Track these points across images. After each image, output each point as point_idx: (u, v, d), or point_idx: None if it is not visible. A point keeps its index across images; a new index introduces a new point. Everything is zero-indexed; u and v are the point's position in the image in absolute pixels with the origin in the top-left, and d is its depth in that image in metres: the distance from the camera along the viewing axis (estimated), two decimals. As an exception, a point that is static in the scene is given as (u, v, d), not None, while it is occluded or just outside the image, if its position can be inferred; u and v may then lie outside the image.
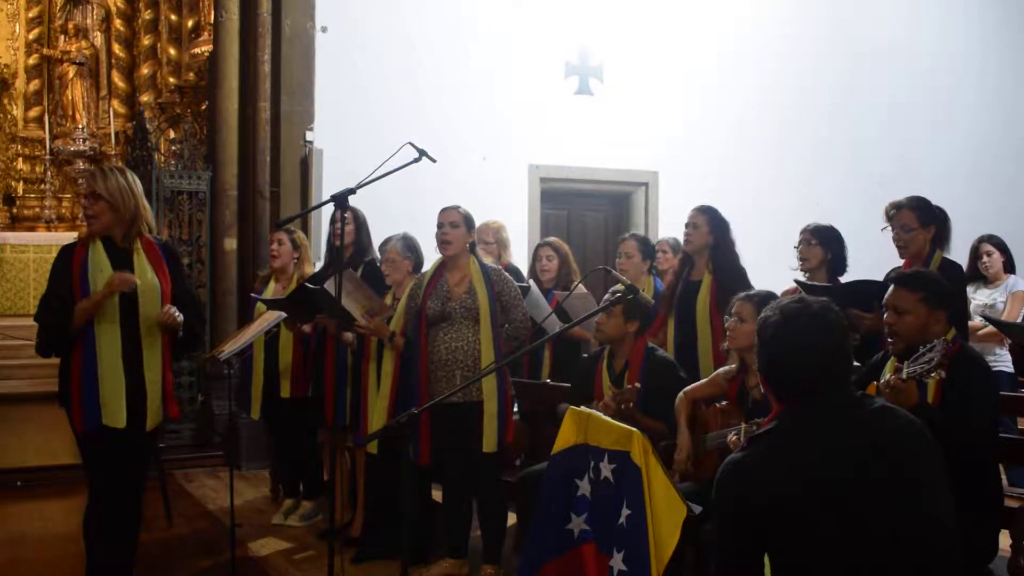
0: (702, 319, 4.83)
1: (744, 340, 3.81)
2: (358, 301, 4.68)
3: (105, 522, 3.90)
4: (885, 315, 3.49)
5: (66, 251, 3.88)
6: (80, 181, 14.58)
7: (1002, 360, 5.88)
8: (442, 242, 4.57)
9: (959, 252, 5.67)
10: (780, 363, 2.35)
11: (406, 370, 4.73)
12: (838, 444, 2.24)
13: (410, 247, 5.01)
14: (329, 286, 4.45)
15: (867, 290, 4.21)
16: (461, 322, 4.50)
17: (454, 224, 4.55)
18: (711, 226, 4.94)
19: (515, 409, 4.99)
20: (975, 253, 6.16)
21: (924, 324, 3.38)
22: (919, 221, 4.40)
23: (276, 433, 5.88)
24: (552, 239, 6.13)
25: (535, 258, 6.00)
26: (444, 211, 4.61)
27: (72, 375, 3.80)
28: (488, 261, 4.87)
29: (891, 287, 3.49)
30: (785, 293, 4.31)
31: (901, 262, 4.52)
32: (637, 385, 4.04)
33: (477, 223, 4.83)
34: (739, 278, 4.81)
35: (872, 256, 4.76)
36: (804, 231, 4.88)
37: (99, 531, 3.90)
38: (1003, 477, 5.58)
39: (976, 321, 5.88)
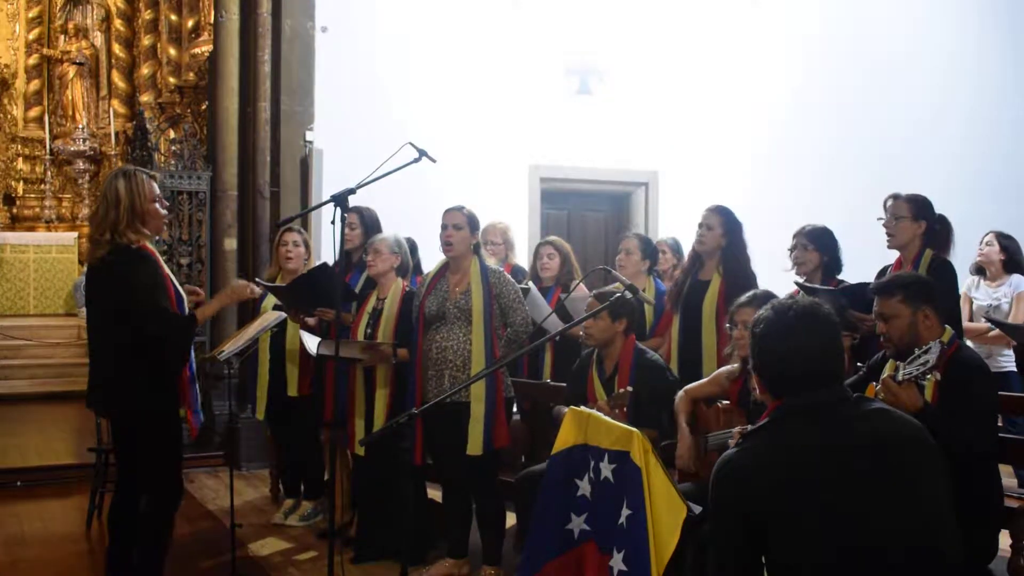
0: (708, 319, 4.81)
1: None
2: (352, 350, 4.78)
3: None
4: (877, 326, 3.53)
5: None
6: (80, 181, 14.61)
7: (1012, 361, 5.82)
8: (445, 243, 4.57)
9: (962, 255, 5.66)
10: (771, 358, 2.36)
11: (403, 369, 4.74)
12: (832, 441, 2.24)
13: (399, 245, 5.00)
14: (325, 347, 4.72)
15: (866, 292, 4.22)
16: (454, 322, 4.49)
17: (457, 226, 4.54)
18: (725, 227, 4.90)
19: (514, 410, 4.98)
20: (981, 243, 6.12)
21: (911, 323, 3.42)
22: (911, 212, 4.43)
23: (279, 433, 5.88)
24: (553, 238, 6.12)
25: (536, 256, 5.99)
26: (448, 212, 4.60)
27: (182, 381, 3.91)
28: (493, 262, 4.86)
29: (875, 299, 3.54)
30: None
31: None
32: (629, 389, 4.01)
33: (482, 224, 4.82)
34: (749, 281, 4.78)
35: (871, 256, 4.76)
36: (798, 235, 4.84)
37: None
38: (1013, 478, 5.59)
39: (982, 324, 5.85)
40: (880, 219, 4.58)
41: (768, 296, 3.78)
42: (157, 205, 3.93)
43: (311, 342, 4.97)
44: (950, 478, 2.29)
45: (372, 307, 4.98)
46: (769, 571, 2.25)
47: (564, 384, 4.86)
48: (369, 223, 5.39)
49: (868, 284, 4.30)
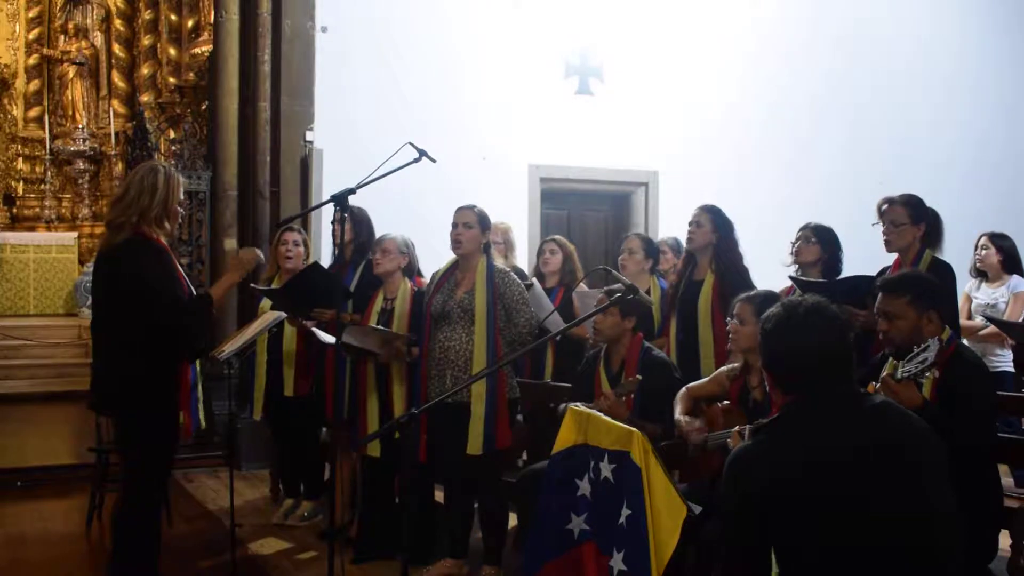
0: (704, 319, 4.83)
1: (745, 342, 3.80)
2: (372, 341, 4.73)
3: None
4: (878, 323, 3.50)
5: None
6: (80, 181, 14.61)
7: (1005, 360, 5.84)
8: (454, 241, 4.57)
9: (959, 251, 5.67)
10: (781, 355, 2.39)
11: (414, 368, 4.74)
12: (840, 435, 2.26)
13: (407, 246, 5.01)
14: (348, 335, 4.62)
15: (860, 287, 4.22)
16: (458, 322, 4.49)
17: (467, 224, 4.54)
18: (714, 225, 4.94)
19: (518, 411, 4.98)
20: (976, 247, 6.13)
21: (915, 326, 3.40)
22: (909, 217, 4.42)
23: (278, 433, 5.87)
24: (557, 236, 6.14)
25: (539, 253, 6.01)
26: (459, 210, 4.60)
27: (182, 380, 3.87)
28: (501, 262, 4.85)
29: (879, 295, 3.51)
30: (783, 293, 4.31)
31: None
32: (638, 377, 4.02)
33: (486, 224, 4.82)
34: (742, 278, 4.80)
35: (870, 256, 4.76)
36: (804, 228, 4.88)
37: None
38: (1010, 478, 5.60)
39: (977, 321, 5.87)
40: (875, 224, 4.57)
41: (771, 297, 3.78)
42: (180, 210, 4.02)
43: (328, 337, 4.94)
44: (953, 476, 2.30)
45: (380, 307, 4.98)
46: (778, 563, 2.27)
47: (566, 384, 4.87)
48: (357, 220, 5.38)
49: (862, 277, 4.31)
